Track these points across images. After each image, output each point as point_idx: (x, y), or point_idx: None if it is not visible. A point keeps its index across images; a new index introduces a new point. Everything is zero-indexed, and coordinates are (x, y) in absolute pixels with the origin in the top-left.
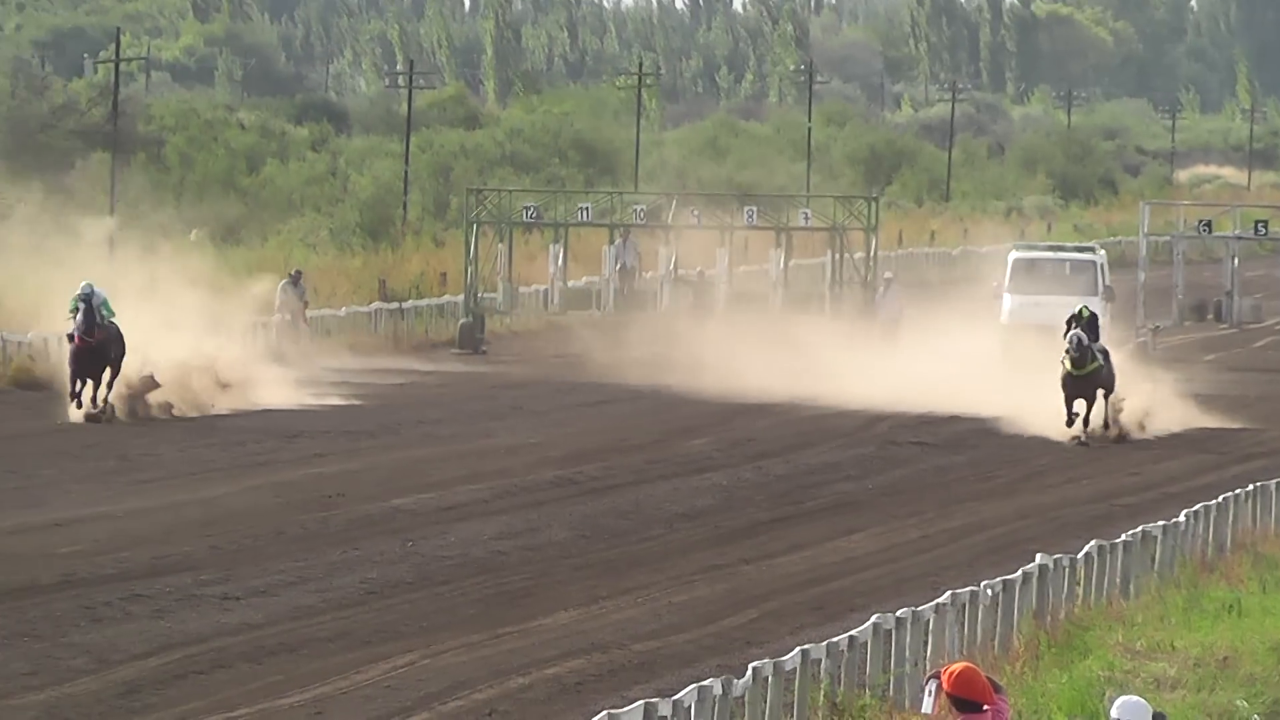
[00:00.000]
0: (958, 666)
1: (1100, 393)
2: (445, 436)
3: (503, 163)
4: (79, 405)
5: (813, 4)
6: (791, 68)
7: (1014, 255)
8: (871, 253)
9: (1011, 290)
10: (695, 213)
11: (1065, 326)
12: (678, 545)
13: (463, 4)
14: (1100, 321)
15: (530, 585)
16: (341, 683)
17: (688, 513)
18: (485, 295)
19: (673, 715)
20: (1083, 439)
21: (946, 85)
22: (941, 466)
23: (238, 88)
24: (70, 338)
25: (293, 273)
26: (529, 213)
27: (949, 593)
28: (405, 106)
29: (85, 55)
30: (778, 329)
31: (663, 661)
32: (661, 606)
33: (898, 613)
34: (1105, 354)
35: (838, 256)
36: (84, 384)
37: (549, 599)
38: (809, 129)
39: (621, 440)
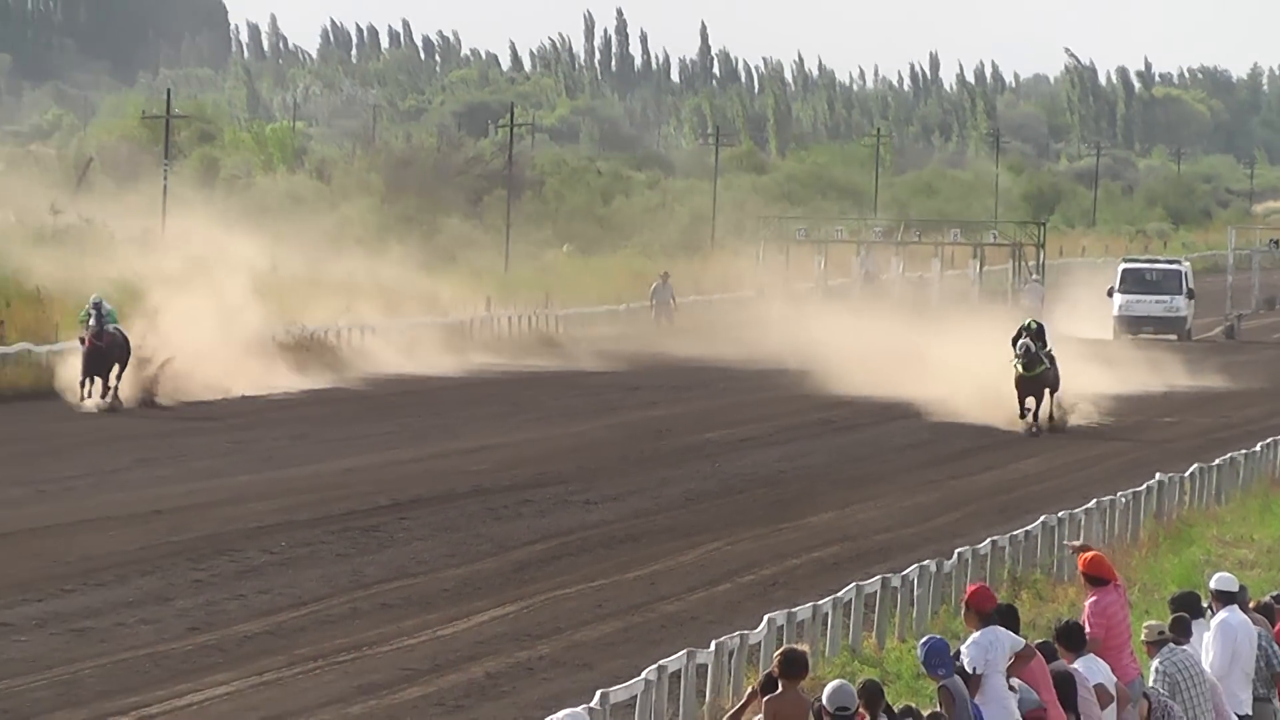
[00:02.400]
0: (1089, 553)
1: (1047, 390)
2: (741, 389)
3: (781, 198)
4: (88, 396)
5: (1000, 87)
6: (984, 131)
7: (1122, 265)
8: (1040, 262)
9: (1120, 291)
10: (916, 233)
11: (1017, 335)
12: (904, 466)
13: (754, 86)
14: (1184, 315)
15: (800, 494)
16: (669, 563)
17: (912, 444)
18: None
19: (901, 586)
20: (1034, 429)
21: (1092, 145)
22: (1088, 412)
23: (596, 144)
24: (82, 340)
25: (663, 274)
26: (800, 233)
27: (1094, 500)
28: (714, 158)
29: (489, 121)
30: (972, 317)
31: (894, 548)
32: (893, 509)
33: (1058, 514)
34: (1052, 358)
35: (1016, 265)
36: (92, 381)
37: (814, 504)
38: (996, 175)
39: (865, 394)
